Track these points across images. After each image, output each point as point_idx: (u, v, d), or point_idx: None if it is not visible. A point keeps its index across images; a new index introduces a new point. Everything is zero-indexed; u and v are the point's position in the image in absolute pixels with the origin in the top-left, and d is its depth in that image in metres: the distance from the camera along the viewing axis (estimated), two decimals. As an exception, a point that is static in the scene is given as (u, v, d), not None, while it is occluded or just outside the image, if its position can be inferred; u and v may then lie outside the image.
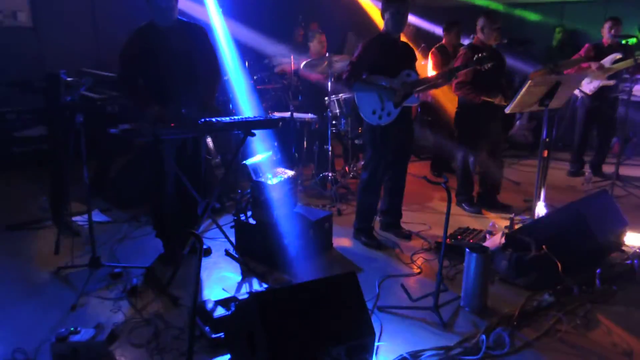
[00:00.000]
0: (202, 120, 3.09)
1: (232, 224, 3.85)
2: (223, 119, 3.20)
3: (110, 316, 2.90)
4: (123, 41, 3.28)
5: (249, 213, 3.72)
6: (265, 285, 3.27)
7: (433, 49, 5.59)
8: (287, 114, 5.04)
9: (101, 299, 3.10)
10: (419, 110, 6.55)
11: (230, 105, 5.22)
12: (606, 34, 5.37)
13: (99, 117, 4.79)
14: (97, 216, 4.41)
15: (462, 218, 4.51)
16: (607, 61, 5.30)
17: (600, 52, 5.37)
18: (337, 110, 5.05)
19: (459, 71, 3.85)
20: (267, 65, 6.70)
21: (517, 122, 7.13)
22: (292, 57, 5.90)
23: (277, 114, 5.18)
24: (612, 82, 5.37)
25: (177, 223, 3.57)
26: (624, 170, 5.70)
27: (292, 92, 6.20)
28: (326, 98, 4.98)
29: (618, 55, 5.28)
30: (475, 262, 2.96)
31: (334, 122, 5.17)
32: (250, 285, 3.31)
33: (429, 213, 4.70)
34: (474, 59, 3.66)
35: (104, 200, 4.79)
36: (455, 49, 5.47)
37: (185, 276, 3.34)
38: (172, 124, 3.05)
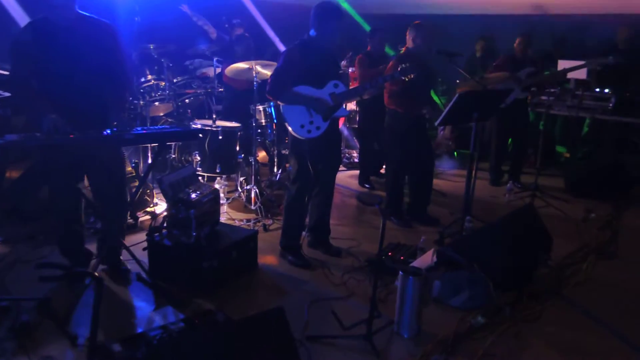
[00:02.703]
0: (108, 131, 2.71)
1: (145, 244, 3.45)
2: (134, 130, 2.84)
3: (-10, 363, 2.44)
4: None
5: (165, 233, 3.35)
6: (181, 316, 2.93)
7: (360, 55, 5.51)
8: (209, 122, 4.69)
9: (-19, 341, 2.61)
10: (346, 119, 6.43)
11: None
12: (516, 48, 5.56)
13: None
14: (-16, 236, 3.83)
15: (392, 232, 4.38)
16: (522, 74, 5.45)
17: (514, 64, 5.52)
18: (263, 120, 4.78)
19: (385, 82, 3.72)
20: (188, 68, 6.29)
21: (440, 132, 7.23)
22: (214, 60, 5.56)
23: (198, 122, 4.82)
24: (525, 95, 5.55)
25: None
26: (542, 181, 5.91)
27: (215, 98, 5.86)
28: (251, 106, 4.69)
29: (532, 69, 5.46)
30: (410, 286, 2.81)
31: (259, 131, 4.89)
32: (165, 317, 2.95)
33: (358, 227, 4.54)
34: (398, 69, 3.55)
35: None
36: (381, 55, 5.42)
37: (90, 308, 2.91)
38: (71, 135, 2.63)
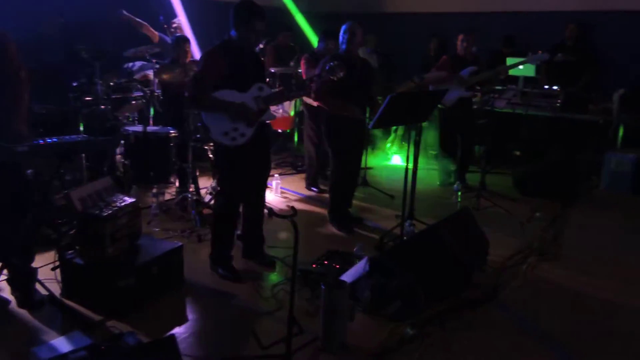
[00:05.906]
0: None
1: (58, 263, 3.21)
2: (30, 142, 2.61)
3: None
4: None
5: (76, 250, 3.12)
6: (88, 341, 2.71)
7: (305, 55, 5.36)
8: (139, 128, 4.45)
9: None
10: (296, 120, 6.27)
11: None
12: (459, 46, 5.46)
13: None
14: None
15: (334, 238, 4.25)
16: (464, 73, 5.36)
17: (457, 63, 5.43)
18: (199, 123, 4.56)
19: (312, 82, 3.56)
20: (127, 70, 6.00)
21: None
22: (153, 61, 5.31)
23: (130, 128, 4.57)
24: (469, 94, 5.46)
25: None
26: (492, 180, 5.87)
27: (156, 102, 5.60)
28: (184, 110, 4.48)
29: (475, 68, 5.38)
30: (331, 298, 2.66)
31: (197, 135, 4.67)
32: (72, 343, 2.72)
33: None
34: (326, 68, 3.39)
35: None
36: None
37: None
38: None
